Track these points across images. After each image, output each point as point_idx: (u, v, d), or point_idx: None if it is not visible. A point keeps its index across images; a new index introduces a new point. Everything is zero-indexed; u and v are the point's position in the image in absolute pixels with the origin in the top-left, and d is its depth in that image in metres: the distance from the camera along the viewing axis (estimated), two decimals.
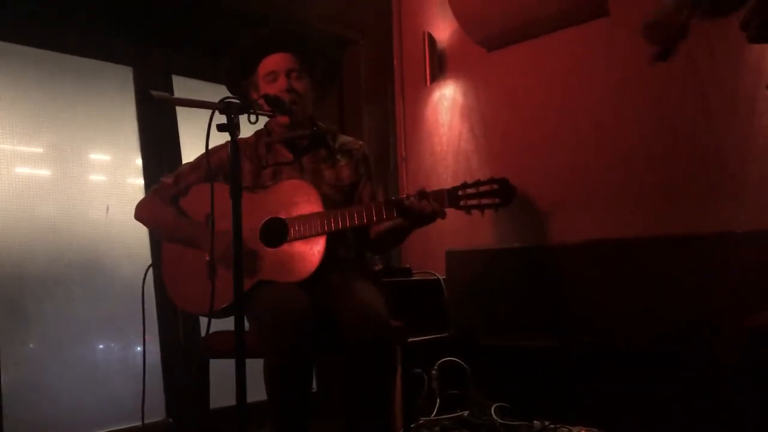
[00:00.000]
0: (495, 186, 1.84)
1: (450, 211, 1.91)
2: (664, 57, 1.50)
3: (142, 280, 2.10)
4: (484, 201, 1.85)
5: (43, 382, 2.42)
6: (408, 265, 3.24)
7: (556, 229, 2.90)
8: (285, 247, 1.99)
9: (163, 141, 2.82)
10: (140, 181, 2.76)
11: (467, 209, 1.86)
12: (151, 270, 2.19)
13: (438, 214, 1.87)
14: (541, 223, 2.94)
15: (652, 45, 1.50)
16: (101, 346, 2.63)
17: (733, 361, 2.22)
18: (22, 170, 2.48)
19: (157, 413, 2.60)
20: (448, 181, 3.33)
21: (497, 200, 1.84)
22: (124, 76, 2.80)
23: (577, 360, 2.69)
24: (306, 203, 1.98)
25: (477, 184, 1.85)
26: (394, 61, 3.65)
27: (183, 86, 2.90)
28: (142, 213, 2.19)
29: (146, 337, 2.17)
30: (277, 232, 2.00)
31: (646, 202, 2.64)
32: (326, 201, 2.00)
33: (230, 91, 2.18)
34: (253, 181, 2.13)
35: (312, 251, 1.95)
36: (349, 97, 3.58)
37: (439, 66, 3.40)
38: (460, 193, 1.87)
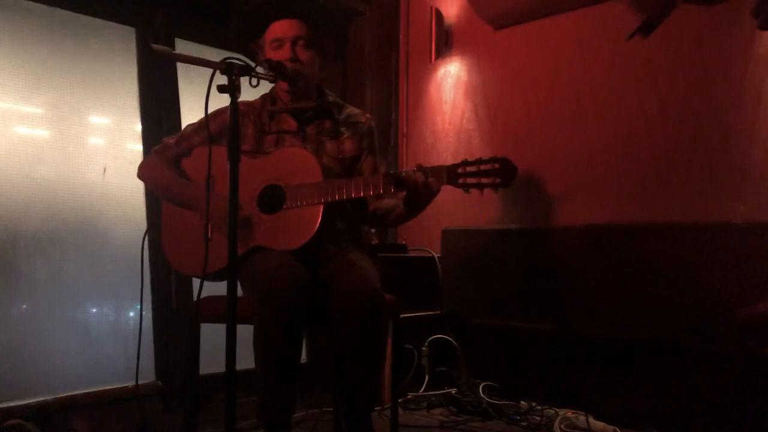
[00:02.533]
0: (496, 165, 1.83)
1: (448, 189, 1.90)
2: (646, 31, 1.45)
3: (141, 244, 2.11)
4: (484, 180, 1.84)
5: (35, 343, 2.42)
6: (404, 242, 3.24)
7: (556, 213, 2.89)
8: (281, 214, 1.98)
9: (164, 106, 2.79)
10: (139, 147, 2.74)
11: (466, 187, 1.85)
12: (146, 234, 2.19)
13: (434, 191, 1.86)
14: (541, 205, 2.93)
15: (637, 15, 1.45)
16: (94, 310, 2.63)
17: (726, 350, 2.22)
18: (21, 130, 2.45)
19: (146, 375, 2.60)
20: (448, 159, 3.32)
21: (497, 180, 1.83)
22: (127, 37, 2.76)
23: (568, 344, 2.69)
24: (305, 172, 1.97)
25: (478, 162, 1.84)
26: (400, 36, 3.61)
27: (186, 50, 2.86)
28: (143, 172, 2.21)
29: (139, 300, 2.17)
30: (274, 199, 2.00)
31: (648, 188, 2.62)
32: (326, 172, 1.99)
33: (239, 49, 2.16)
34: (254, 146, 2.12)
35: (308, 221, 1.94)
36: (353, 70, 3.55)
37: (445, 42, 3.37)
38: (459, 170, 1.85)
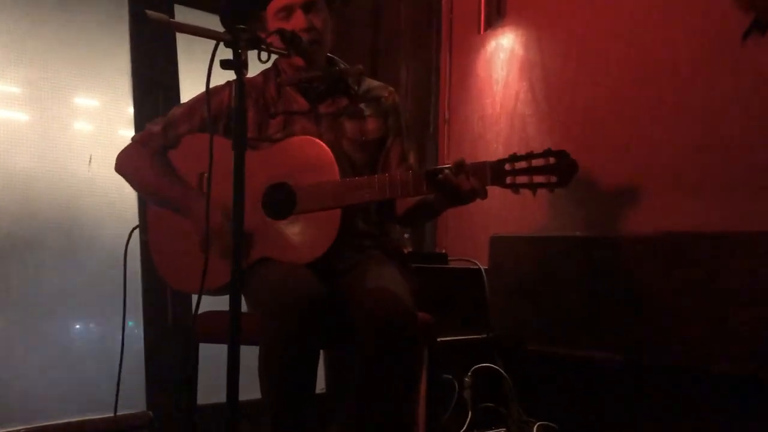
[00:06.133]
0: (551, 160, 1.82)
1: (496, 189, 1.89)
2: (761, 28, 1.46)
3: (125, 245, 2.14)
4: (537, 178, 1.83)
5: (6, 364, 2.47)
6: (444, 250, 3.24)
7: (627, 218, 2.87)
8: (291, 220, 2.00)
9: (161, 85, 2.85)
10: (130, 132, 2.79)
11: (515, 188, 1.85)
12: (137, 233, 2.23)
13: (477, 194, 1.86)
14: (609, 208, 2.92)
15: (747, 13, 1.45)
16: (77, 326, 2.69)
17: None
18: None
19: (135, 404, 2.66)
20: (498, 150, 3.33)
21: (553, 178, 1.82)
22: (118, 3, 2.82)
23: (645, 378, 2.67)
24: (319, 168, 1.98)
25: (529, 156, 1.84)
26: (442, 3, 3.63)
27: (187, 19, 2.90)
28: (124, 165, 2.20)
29: (129, 314, 2.23)
30: (282, 200, 2.01)
31: (739, 192, 2.59)
32: (345, 163, 2.00)
33: (225, 25, 2.14)
34: (257, 132, 2.12)
35: (324, 228, 1.96)
36: (385, 44, 3.57)
37: (497, 10, 3.38)
38: (507, 167, 1.85)
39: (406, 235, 3.14)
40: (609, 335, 2.79)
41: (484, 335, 3.07)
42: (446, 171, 1.86)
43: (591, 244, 2.91)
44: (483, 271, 3.13)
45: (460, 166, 1.86)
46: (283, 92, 2.17)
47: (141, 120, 2.79)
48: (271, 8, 2.12)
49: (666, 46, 2.81)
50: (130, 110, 2.83)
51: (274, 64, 2.23)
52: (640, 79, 2.89)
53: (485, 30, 3.41)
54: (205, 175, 1.66)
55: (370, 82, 2.28)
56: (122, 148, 2.21)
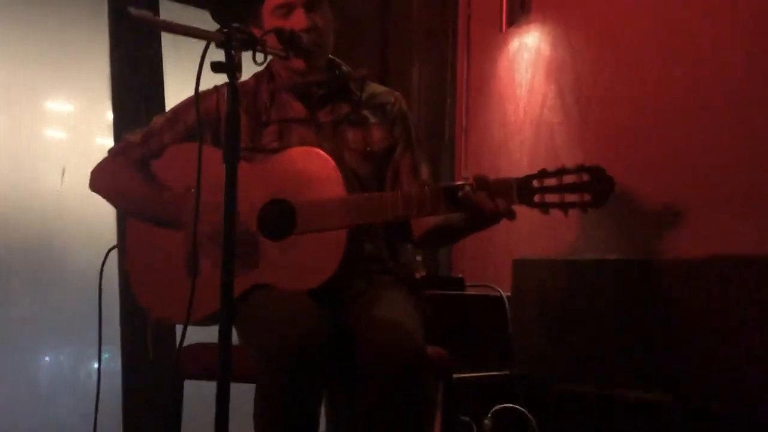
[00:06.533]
0: (585, 177, 1.82)
1: (520, 209, 1.89)
2: None
3: (101, 265, 2.14)
4: (569, 197, 1.83)
5: None
6: (461, 275, 3.24)
7: (670, 239, 2.85)
8: (291, 241, 1.99)
9: (144, 89, 2.86)
10: (109, 142, 2.81)
11: (544, 207, 1.84)
12: (114, 254, 2.23)
13: (501, 214, 1.86)
14: (648, 229, 2.90)
15: None
16: (47, 358, 2.68)
17: None
18: None
19: None
20: (522, 163, 3.32)
21: (587, 197, 1.82)
22: None
23: (692, 421, 2.64)
24: (322, 183, 1.98)
25: (560, 172, 1.83)
26: None
27: (174, 15, 2.93)
28: (100, 181, 2.21)
29: (105, 345, 2.22)
30: (280, 219, 2.01)
31: None
32: (350, 177, 2.01)
33: (216, 20, 2.16)
34: (249, 141, 2.14)
35: (328, 251, 1.95)
36: (396, 44, 3.58)
37: (521, 4, 3.39)
38: (535, 184, 1.85)
39: (418, 258, 3.14)
40: (649, 372, 2.78)
41: (506, 372, 3.08)
42: (467, 188, 1.86)
43: (628, 269, 2.90)
44: (505, 298, 3.14)
45: (482, 183, 1.86)
46: (277, 97, 2.19)
47: (121, 127, 2.80)
48: (269, 4, 2.14)
49: (715, 48, 2.79)
50: (109, 116, 2.83)
51: (268, 66, 2.25)
52: (685, 84, 2.87)
53: (507, 27, 3.41)
54: (193, 189, 1.64)
55: (375, 87, 2.30)
56: (99, 158, 2.23)
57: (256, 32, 2.01)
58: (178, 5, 3.01)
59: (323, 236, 1.96)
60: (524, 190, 1.85)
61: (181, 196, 2.08)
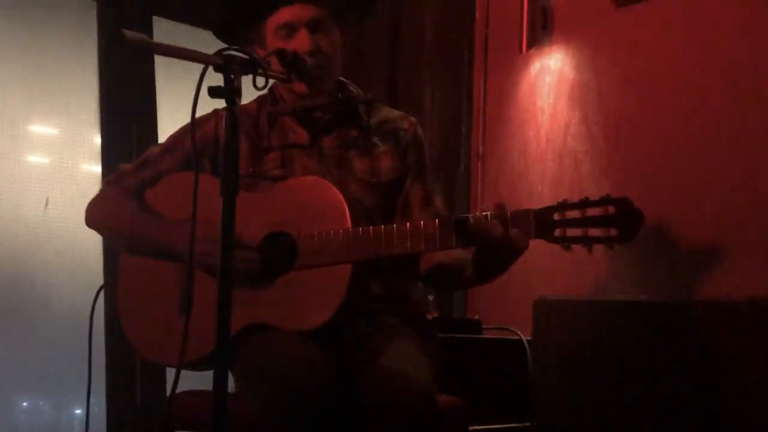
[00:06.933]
0: (610, 209, 1.82)
1: (541, 244, 1.89)
2: None
3: (90, 309, 2.15)
4: (593, 231, 1.83)
5: None
6: (477, 317, 3.23)
7: (707, 279, 2.86)
8: (292, 277, 2.01)
9: (135, 113, 2.90)
10: (96, 169, 2.82)
11: (565, 242, 1.85)
12: (103, 293, 2.25)
13: (513, 243, 1.84)
14: (685, 268, 2.91)
15: None
16: (25, 404, 2.68)
17: None
18: None
19: None
20: (543, 194, 3.34)
21: (613, 231, 1.82)
22: (85, 13, 2.88)
23: None
24: (326, 215, 2.00)
25: (583, 204, 1.84)
26: (476, 15, 3.67)
27: (168, 34, 2.97)
28: (96, 215, 2.24)
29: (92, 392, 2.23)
30: (281, 253, 2.03)
31: None
32: (355, 209, 2.02)
33: (219, 38, 2.22)
34: (250, 167, 2.16)
35: (331, 288, 1.96)
36: (406, 66, 3.60)
37: (543, 24, 3.41)
38: (556, 216, 1.85)
39: (430, 297, 3.14)
40: (685, 424, 2.77)
41: (527, 423, 3.05)
42: (479, 217, 1.87)
43: (661, 311, 2.87)
44: (525, 342, 3.12)
45: (498, 212, 1.86)
46: (279, 122, 2.22)
47: (109, 153, 2.82)
48: (271, 23, 2.18)
49: (754, 68, 2.81)
50: (97, 140, 2.86)
51: (271, 89, 2.28)
52: (723, 108, 2.89)
53: (528, 49, 3.44)
54: (187, 219, 1.66)
55: (388, 112, 2.31)
56: (85, 186, 2.26)
57: (260, 52, 2.07)
58: (171, 22, 3.04)
59: (325, 272, 1.97)
60: (544, 222, 1.85)
61: (177, 226, 2.07)
